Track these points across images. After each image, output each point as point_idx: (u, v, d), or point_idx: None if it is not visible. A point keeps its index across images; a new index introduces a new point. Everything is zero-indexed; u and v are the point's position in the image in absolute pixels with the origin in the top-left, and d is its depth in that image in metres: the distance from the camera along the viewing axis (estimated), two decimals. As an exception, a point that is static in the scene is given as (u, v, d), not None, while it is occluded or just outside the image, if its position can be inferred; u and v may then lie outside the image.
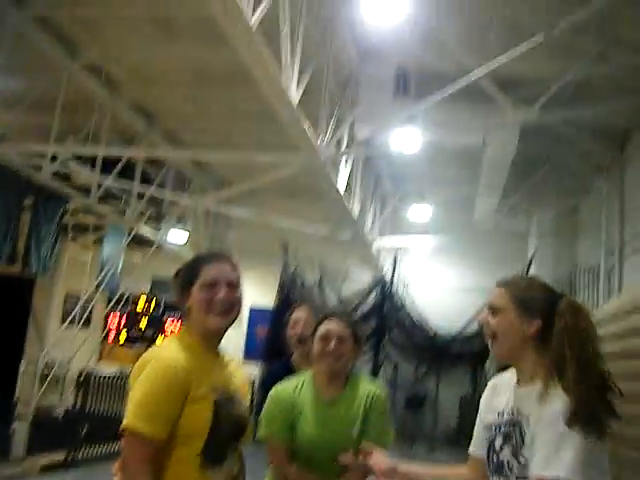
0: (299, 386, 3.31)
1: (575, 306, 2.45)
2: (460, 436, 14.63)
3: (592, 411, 2.24)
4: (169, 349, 2.49)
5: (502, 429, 2.53)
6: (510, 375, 2.65)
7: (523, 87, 9.75)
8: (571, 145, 11.85)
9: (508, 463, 2.46)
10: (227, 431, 2.49)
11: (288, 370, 3.83)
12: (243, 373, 2.81)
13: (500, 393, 2.67)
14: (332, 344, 3.21)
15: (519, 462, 2.40)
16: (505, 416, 2.54)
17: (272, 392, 3.32)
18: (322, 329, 3.28)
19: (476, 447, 2.73)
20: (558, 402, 2.27)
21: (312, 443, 3.17)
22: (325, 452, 3.16)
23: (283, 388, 3.32)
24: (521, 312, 2.49)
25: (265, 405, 3.29)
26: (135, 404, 2.31)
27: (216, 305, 2.56)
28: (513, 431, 2.47)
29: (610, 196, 12.13)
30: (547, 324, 2.45)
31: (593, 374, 2.32)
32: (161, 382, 2.33)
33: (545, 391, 2.34)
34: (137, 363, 2.46)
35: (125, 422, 2.30)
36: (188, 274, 2.63)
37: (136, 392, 2.34)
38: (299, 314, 4.22)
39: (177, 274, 2.71)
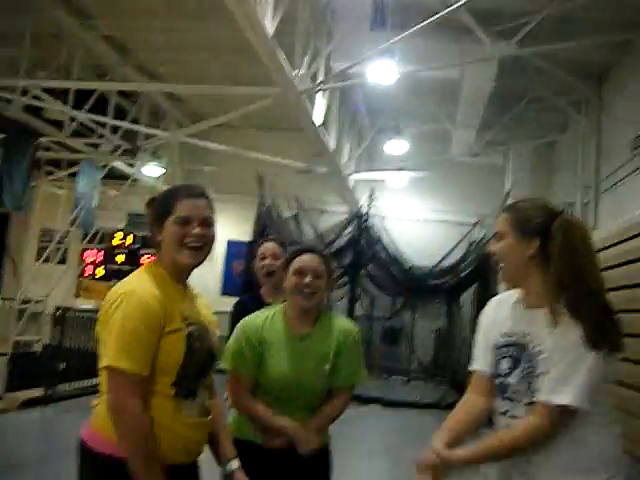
0: (268, 320, 3.24)
1: (568, 223, 2.44)
2: (435, 368, 14.89)
3: (605, 333, 2.28)
4: (141, 282, 2.45)
5: (508, 351, 2.53)
6: (513, 293, 2.63)
7: (502, 20, 9.65)
8: (550, 80, 11.80)
9: (517, 387, 2.47)
10: (200, 362, 2.51)
11: (257, 303, 3.82)
12: (209, 307, 2.78)
13: (503, 311, 2.65)
14: (307, 279, 3.15)
15: (529, 388, 2.42)
16: (510, 337, 2.54)
17: (239, 325, 3.26)
18: (296, 264, 3.19)
19: (481, 365, 2.68)
20: (573, 332, 2.29)
21: (281, 379, 3.12)
22: (294, 388, 3.12)
23: (251, 321, 3.25)
24: (519, 234, 2.49)
25: (232, 337, 3.25)
26: (115, 342, 2.29)
27: (188, 241, 2.53)
28: (521, 354, 2.47)
29: (587, 132, 12.16)
30: (546, 244, 2.45)
31: (594, 293, 2.34)
32: (138, 317, 2.31)
33: (554, 317, 2.35)
34: (108, 296, 2.43)
35: (107, 361, 2.27)
36: (162, 207, 2.57)
37: (114, 329, 2.31)
38: (267, 247, 4.20)
39: (150, 205, 2.65)
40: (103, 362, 2.30)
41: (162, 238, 2.55)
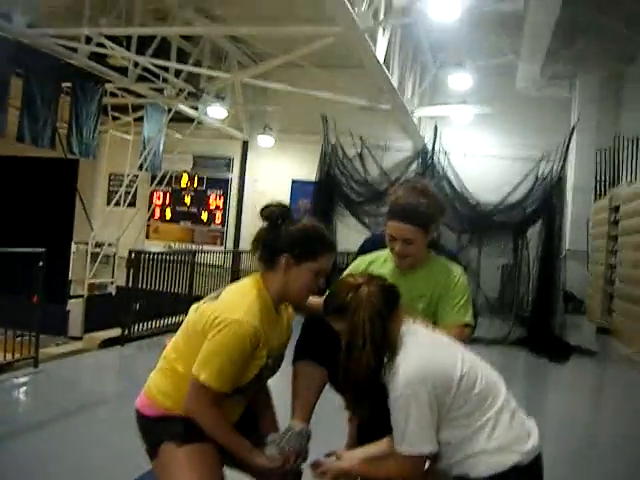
0: (381, 258, 3.41)
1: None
2: (501, 304, 14.82)
3: None
4: (249, 311, 2.61)
5: None
6: None
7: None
8: (617, 9, 11.44)
9: None
10: (259, 382, 2.79)
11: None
12: (292, 316, 2.98)
13: None
14: (397, 247, 3.19)
15: None
16: None
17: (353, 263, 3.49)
18: (388, 229, 3.22)
19: None
20: None
21: None
22: None
23: (363, 257, 3.48)
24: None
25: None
26: (212, 362, 2.54)
27: (313, 291, 2.77)
28: None
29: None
30: None
31: None
32: (238, 348, 2.54)
33: None
34: (214, 311, 2.61)
35: (203, 377, 2.53)
36: (305, 249, 2.72)
37: (214, 349, 2.55)
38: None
39: (266, 215, 2.77)
40: (198, 375, 2.55)
41: (286, 270, 2.71)
